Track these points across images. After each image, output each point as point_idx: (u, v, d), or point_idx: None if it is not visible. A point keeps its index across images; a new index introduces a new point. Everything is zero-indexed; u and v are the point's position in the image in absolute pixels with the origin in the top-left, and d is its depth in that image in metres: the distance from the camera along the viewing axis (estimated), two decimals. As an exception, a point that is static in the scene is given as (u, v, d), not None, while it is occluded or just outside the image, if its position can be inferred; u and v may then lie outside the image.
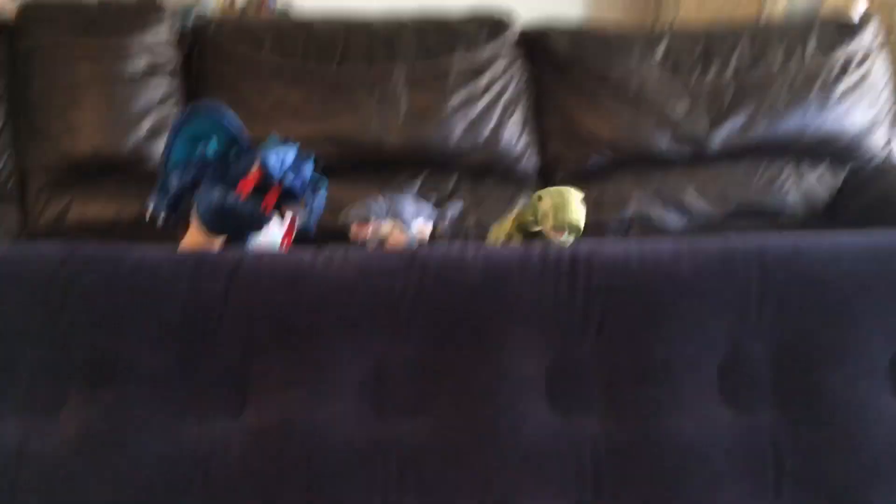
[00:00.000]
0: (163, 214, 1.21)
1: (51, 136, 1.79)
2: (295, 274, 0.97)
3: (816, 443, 0.90)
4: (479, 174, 2.03)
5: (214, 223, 1.16)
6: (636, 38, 2.09)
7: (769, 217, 2.07)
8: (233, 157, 1.21)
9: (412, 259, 0.98)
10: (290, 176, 1.18)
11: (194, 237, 1.23)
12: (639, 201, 2.04)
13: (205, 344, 0.94)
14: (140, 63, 1.84)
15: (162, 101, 1.86)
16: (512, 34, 2.05)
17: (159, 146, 1.85)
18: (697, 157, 2.07)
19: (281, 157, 1.18)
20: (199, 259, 0.99)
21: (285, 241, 1.26)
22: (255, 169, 1.15)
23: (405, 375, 0.95)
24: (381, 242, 1.46)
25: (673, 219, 2.05)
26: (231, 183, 1.16)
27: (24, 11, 1.84)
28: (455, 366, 0.95)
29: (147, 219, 1.20)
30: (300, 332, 0.95)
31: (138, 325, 0.94)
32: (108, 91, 1.80)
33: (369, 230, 1.41)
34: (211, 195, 1.15)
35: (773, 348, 0.94)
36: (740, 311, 0.94)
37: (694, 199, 2.07)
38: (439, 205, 1.58)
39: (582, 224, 1.46)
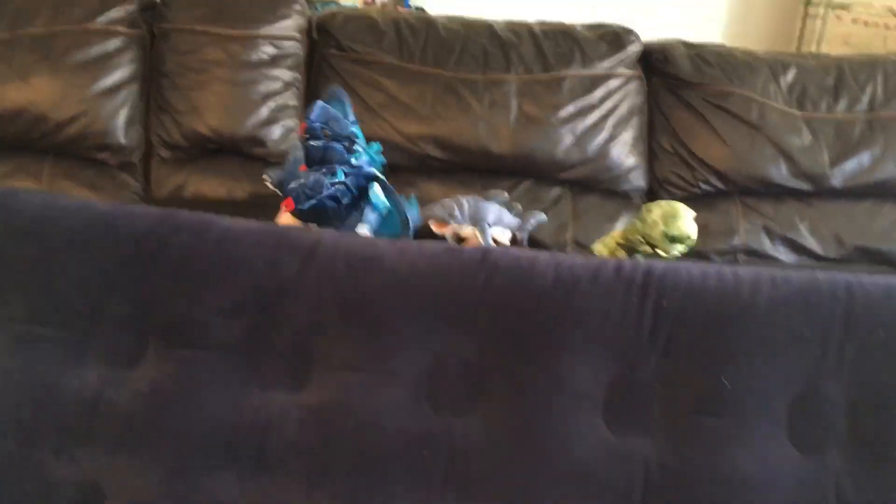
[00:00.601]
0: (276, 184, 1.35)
1: (177, 113, 1.89)
2: (369, 260, 0.99)
3: (885, 492, 0.84)
4: (583, 188, 2.00)
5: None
6: (762, 64, 2.00)
7: (889, 264, 1.95)
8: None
9: (484, 257, 0.98)
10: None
11: (285, 219, 1.30)
12: (746, 233, 1.96)
13: (274, 318, 0.98)
14: (266, 52, 1.92)
15: (282, 91, 1.93)
16: (633, 50, 2.01)
17: (275, 132, 1.92)
18: (815, 194, 1.96)
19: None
20: (281, 234, 1.03)
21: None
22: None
23: (463, 373, 0.95)
24: (460, 240, 1.47)
25: (782, 255, 1.96)
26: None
27: (166, -5, 1.96)
28: (513, 370, 0.95)
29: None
30: (366, 317, 0.97)
31: (216, 293, 0.98)
32: (232, 76, 1.88)
33: (448, 230, 1.42)
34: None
35: (851, 391, 0.88)
36: (819, 349, 0.89)
37: (806, 237, 1.96)
38: (522, 214, 1.57)
39: (694, 236, 1.41)
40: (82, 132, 1.84)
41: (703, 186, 1.97)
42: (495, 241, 1.45)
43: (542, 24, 2.06)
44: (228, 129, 1.90)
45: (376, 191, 1.35)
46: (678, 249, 1.40)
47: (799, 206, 1.97)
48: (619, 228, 1.57)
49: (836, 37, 3.61)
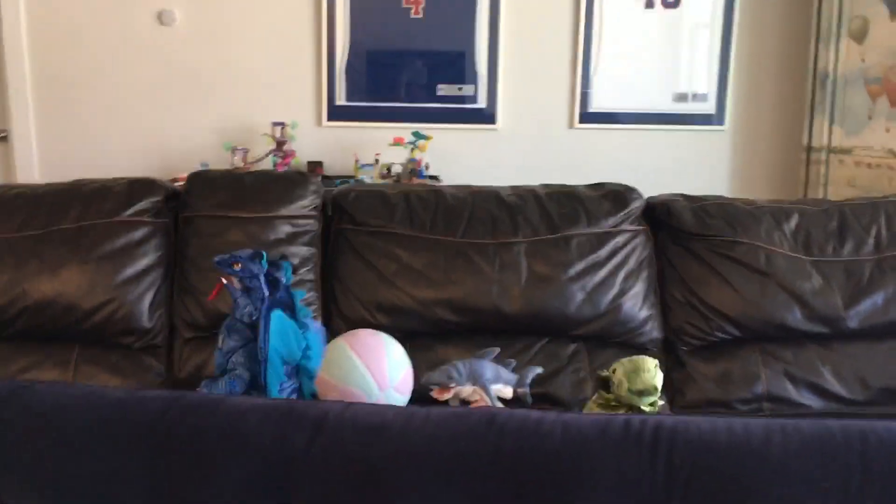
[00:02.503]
0: None
1: (200, 294, 1.96)
2: (376, 430, 1.00)
3: None
4: (598, 342, 2.01)
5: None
6: (764, 212, 2.06)
7: (919, 404, 1.91)
8: None
9: (491, 421, 0.98)
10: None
11: None
12: (768, 380, 1.93)
13: (285, 495, 0.97)
14: (283, 231, 2.01)
15: (300, 266, 2.01)
16: (636, 206, 2.08)
17: (293, 306, 1.98)
18: (834, 337, 1.96)
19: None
20: (288, 408, 1.04)
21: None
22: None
23: (476, 543, 0.93)
24: (464, 403, 1.47)
25: (808, 400, 1.93)
26: None
27: (189, 182, 2.08)
28: (528, 537, 0.92)
29: None
30: (377, 488, 0.96)
31: (226, 472, 0.99)
32: (251, 255, 1.97)
33: (451, 395, 1.43)
34: None
35: (879, 545, 0.85)
36: (839, 499, 0.86)
37: (830, 381, 1.94)
38: (517, 368, 1.59)
39: (658, 385, 1.46)
40: (109, 318, 1.91)
41: (719, 335, 1.97)
42: (500, 398, 1.45)
43: (546, 187, 2.15)
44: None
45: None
46: (647, 402, 1.46)
47: (819, 350, 1.96)
48: (590, 400, 1.62)
49: (841, 179, 3.70)
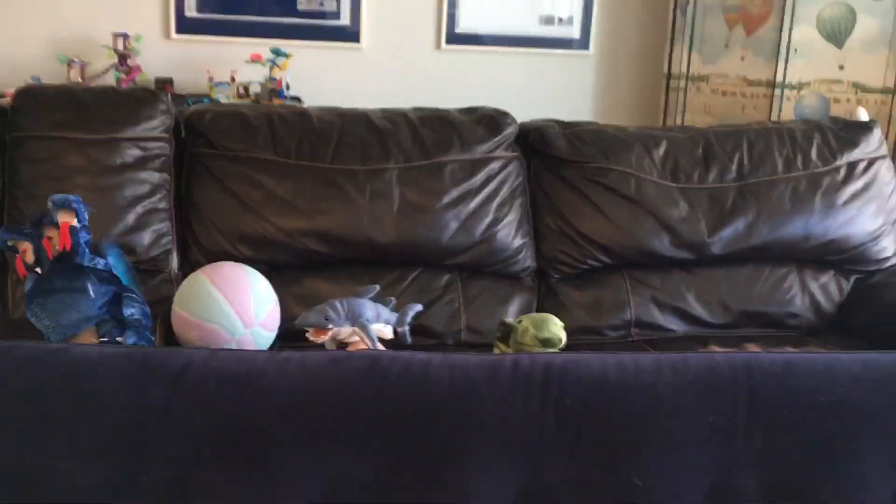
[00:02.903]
0: None
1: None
2: (246, 380, 0.90)
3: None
4: (472, 272, 1.97)
5: None
6: (634, 140, 2.06)
7: (773, 326, 1.99)
8: None
9: (372, 367, 0.91)
10: None
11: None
12: (636, 306, 1.97)
13: (142, 457, 0.87)
14: (131, 155, 1.83)
15: (150, 194, 1.84)
16: (510, 132, 2.03)
17: (144, 238, 1.82)
18: (698, 262, 2.01)
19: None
20: (145, 358, 0.92)
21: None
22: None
23: (361, 497, 0.87)
24: (341, 345, 1.40)
25: (673, 325, 1.98)
26: None
27: (18, 98, 1.84)
28: (415, 488, 0.87)
29: None
30: (248, 445, 0.88)
31: (72, 434, 0.87)
32: (95, 182, 1.78)
33: (327, 336, 1.35)
34: None
35: (763, 477, 0.85)
36: (727, 436, 0.85)
37: (693, 306, 1.99)
38: (397, 307, 1.53)
39: (564, 338, 1.46)
40: (-76, 253, 1.68)
41: (591, 262, 1.98)
42: (380, 339, 1.38)
43: (418, 110, 2.06)
44: (93, 237, 1.77)
45: None
46: (550, 352, 1.45)
47: (684, 276, 2.01)
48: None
49: (698, 107, 3.81)
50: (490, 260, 1.96)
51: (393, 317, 1.45)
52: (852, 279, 2.06)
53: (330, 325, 1.33)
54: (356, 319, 1.35)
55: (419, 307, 1.49)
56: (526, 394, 0.88)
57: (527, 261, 1.99)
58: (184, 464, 0.87)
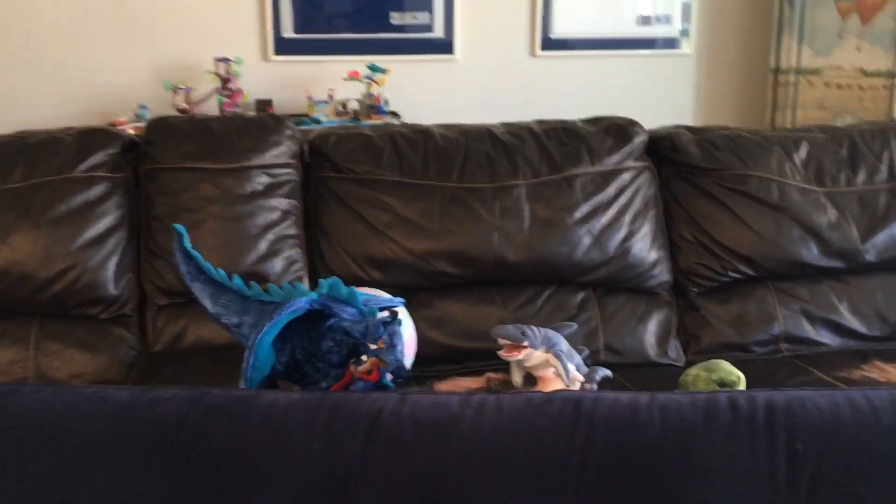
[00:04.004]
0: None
1: (171, 256, 1.76)
2: (443, 427, 0.85)
3: None
4: (608, 289, 1.89)
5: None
6: (772, 143, 1.95)
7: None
8: (328, 335, 1.22)
9: (576, 411, 0.85)
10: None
11: None
12: (785, 320, 1.85)
13: (343, 510, 0.83)
14: (260, 182, 1.82)
15: (280, 221, 1.82)
16: (640, 141, 1.94)
17: (276, 265, 1.80)
18: (850, 271, 1.88)
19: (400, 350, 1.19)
20: (334, 404, 0.89)
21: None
22: (375, 366, 1.19)
23: (573, 553, 0.81)
24: (529, 376, 1.34)
25: (826, 339, 1.86)
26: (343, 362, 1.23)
27: (149, 131, 1.86)
28: (633, 542, 0.80)
29: None
30: (450, 496, 0.82)
31: (268, 488, 0.83)
32: (227, 211, 1.77)
33: (520, 354, 1.29)
34: (331, 380, 1.23)
35: None
36: None
37: (847, 317, 1.87)
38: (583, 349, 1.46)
39: (741, 375, 1.37)
40: (70, 287, 1.71)
41: (733, 274, 1.88)
42: (573, 380, 1.31)
43: (542, 123, 1.99)
44: (227, 266, 1.76)
45: None
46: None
47: (835, 286, 1.89)
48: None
49: (810, 101, 3.63)
50: (625, 275, 1.88)
51: (583, 367, 1.38)
52: None
53: (525, 343, 1.27)
54: (550, 347, 1.29)
55: (608, 372, 1.41)
56: (751, 439, 0.80)
57: (663, 275, 1.90)
58: (383, 517, 0.83)
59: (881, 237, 1.85)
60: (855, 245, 1.85)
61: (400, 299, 1.35)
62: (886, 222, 1.86)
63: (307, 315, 1.23)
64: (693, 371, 1.39)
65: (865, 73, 3.38)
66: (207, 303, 1.30)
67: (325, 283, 1.25)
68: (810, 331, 1.85)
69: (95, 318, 1.75)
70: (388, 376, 1.20)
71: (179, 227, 1.30)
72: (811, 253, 1.85)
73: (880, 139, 1.95)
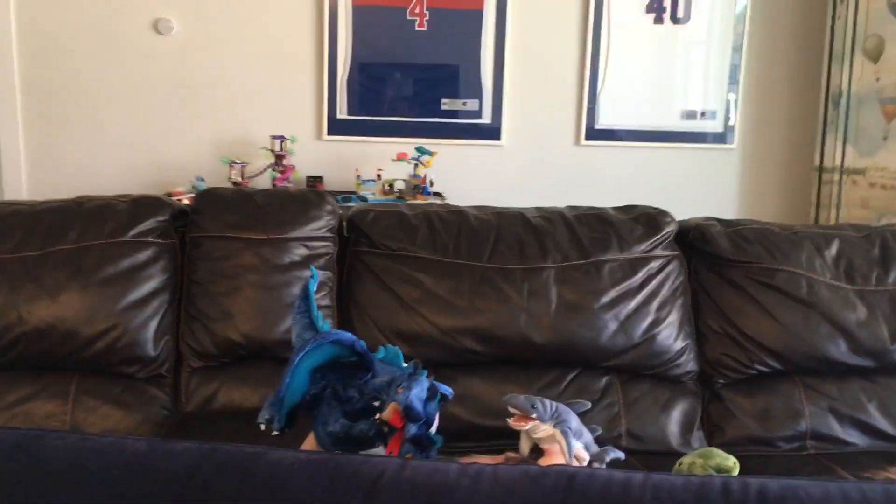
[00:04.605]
0: (277, 426, 1.21)
1: (208, 321, 1.84)
2: (439, 493, 0.88)
3: None
4: (632, 375, 1.90)
5: (335, 447, 1.21)
6: (803, 238, 1.96)
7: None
8: (357, 384, 1.21)
9: (570, 484, 0.87)
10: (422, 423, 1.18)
11: (311, 444, 1.22)
12: (812, 417, 1.83)
13: (336, 569, 0.85)
14: (298, 254, 1.89)
15: (316, 291, 1.89)
16: (669, 230, 1.98)
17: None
18: (879, 370, 1.86)
19: (422, 399, 1.18)
20: (337, 466, 0.92)
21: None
22: (395, 410, 1.17)
23: None
24: (535, 447, 1.35)
25: (853, 438, 1.83)
26: (357, 413, 1.21)
27: (198, 200, 1.96)
28: None
29: (262, 429, 1.21)
30: (441, 563, 0.85)
31: (268, 542, 0.86)
32: (264, 280, 1.85)
33: (528, 425, 1.31)
34: (335, 424, 1.21)
35: None
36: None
37: (876, 417, 1.84)
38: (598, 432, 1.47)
39: (735, 461, 1.36)
40: (111, 346, 1.78)
41: (759, 367, 1.88)
42: (576, 457, 1.33)
43: (574, 209, 2.05)
44: (260, 334, 1.84)
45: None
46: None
47: (864, 385, 1.87)
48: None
49: (854, 201, 3.63)
50: (650, 362, 1.89)
51: (593, 446, 1.40)
52: None
53: (534, 415, 1.30)
54: (559, 423, 1.31)
55: (620, 454, 1.42)
56: (740, 522, 0.81)
57: (689, 364, 1.91)
58: (376, 579, 0.85)
59: (912, 338, 1.84)
60: (885, 344, 1.84)
61: (449, 390, 1.32)
62: (918, 323, 1.84)
63: (353, 365, 1.25)
64: (687, 459, 1.38)
65: (910, 175, 3.38)
66: (296, 330, 1.31)
67: (384, 349, 1.30)
68: (838, 429, 1.83)
69: (132, 376, 1.82)
70: (414, 429, 1.19)
71: (314, 270, 1.33)
72: (839, 350, 1.84)
73: (913, 240, 1.95)
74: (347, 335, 1.23)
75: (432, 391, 1.22)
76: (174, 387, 1.85)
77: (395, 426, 1.19)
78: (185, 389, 1.84)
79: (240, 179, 3.61)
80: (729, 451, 1.63)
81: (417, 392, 1.18)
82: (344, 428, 1.21)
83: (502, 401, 1.35)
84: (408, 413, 1.17)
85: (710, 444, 1.84)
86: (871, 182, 3.55)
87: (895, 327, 1.85)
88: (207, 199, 1.96)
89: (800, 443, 1.82)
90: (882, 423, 1.83)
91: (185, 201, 2.23)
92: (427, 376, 1.25)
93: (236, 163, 3.63)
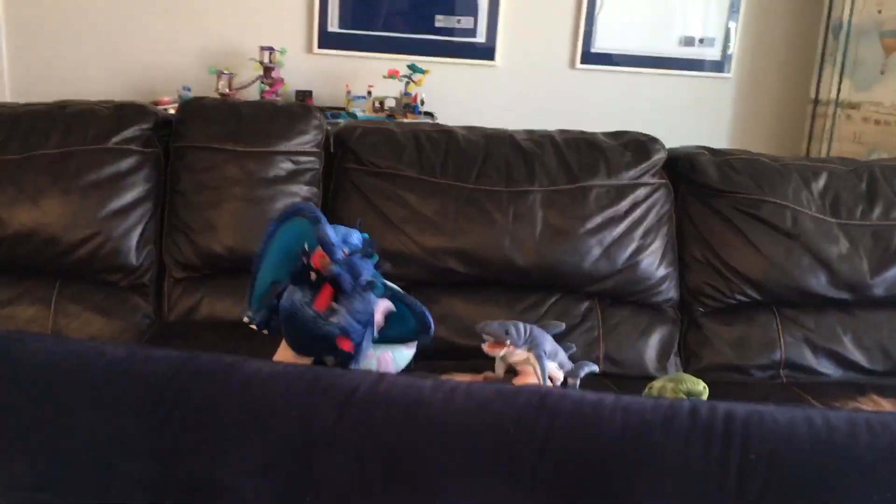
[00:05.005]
0: (257, 324, 1.19)
1: (191, 232, 1.83)
2: (412, 407, 0.89)
3: None
4: (613, 301, 1.92)
5: (289, 334, 1.15)
6: (791, 170, 1.96)
7: (940, 377, 1.85)
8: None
9: (542, 402, 0.88)
10: (343, 267, 1.12)
11: (284, 353, 1.20)
12: (787, 347, 1.86)
13: (310, 476, 0.87)
14: (283, 168, 1.88)
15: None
16: (658, 158, 1.97)
17: (292, 249, 1.85)
18: (857, 304, 1.88)
19: (348, 242, 1.14)
20: (314, 378, 0.93)
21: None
22: (319, 254, 1.12)
23: (524, 538, 0.84)
24: (510, 369, 1.37)
25: (826, 369, 1.86)
26: (299, 274, 1.14)
27: (182, 110, 1.93)
28: (582, 533, 0.83)
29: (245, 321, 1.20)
30: (413, 474, 0.86)
31: (242, 449, 0.88)
32: (248, 193, 1.83)
33: (502, 351, 1.33)
34: (286, 300, 1.13)
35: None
36: (934, 510, 0.78)
37: (850, 350, 1.87)
38: (574, 352, 1.49)
39: (705, 386, 1.38)
40: (93, 253, 1.78)
41: (739, 297, 1.89)
42: (550, 377, 1.35)
43: (564, 133, 2.02)
44: (244, 247, 1.83)
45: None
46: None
47: (841, 318, 1.89)
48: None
49: (847, 135, 3.61)
50: (632, 289, 1.90)
51: (568, 363, 1.42)
52: None
53: (508, 342, 1.31)
54: (534, 347, 1.32)
55: (595, 367, 1.44)
56: (706, 445, 0.83)
57: (670, 291, 1.92)
58: (348, 487, 0.87)
59: (892, 273, 1.85)
60: (864, 278, 1.86)
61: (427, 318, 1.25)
62: (898, 259, 1.86)
63: None
64: (658, 383, 1.41)
65: (906, 111, 3.35)
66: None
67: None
68: (812, 359, 1.86)
69: (115, 284, 1.82)
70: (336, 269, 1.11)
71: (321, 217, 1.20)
72: (819, 282, 1.86)
73: (900, 176, 1.95)
74: (307, 204, 1.19)
75: (367, 250, 1.17)
76: (157, 296, 1.85)
77: (315, 266, 1.13)
78: (167, 299, 1.84)
79: (227, 91, 3.55)
80: (703, 378, 1.66)
81: (344, 233, 1.15)
82: (287, 298, 1.14)
83: (476, 329, 1.36)
84: (323, 243, 1.11)
85: (685, 371, 1.87)
86: (864, 116, 3.53)
87: (876, 262, 1.87)
88: (193, 108, 1.93)
89: (773, 371, 1.85)
90: (855, 355, 1.86)
91: (172, 111, 2.19)
92: (409, 292, 1.25)
93: (224, 73, 3.56)
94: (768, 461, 0.82)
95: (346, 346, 1.15)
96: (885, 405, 1.62)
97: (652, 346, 1.86)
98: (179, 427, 0.90)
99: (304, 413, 0.89)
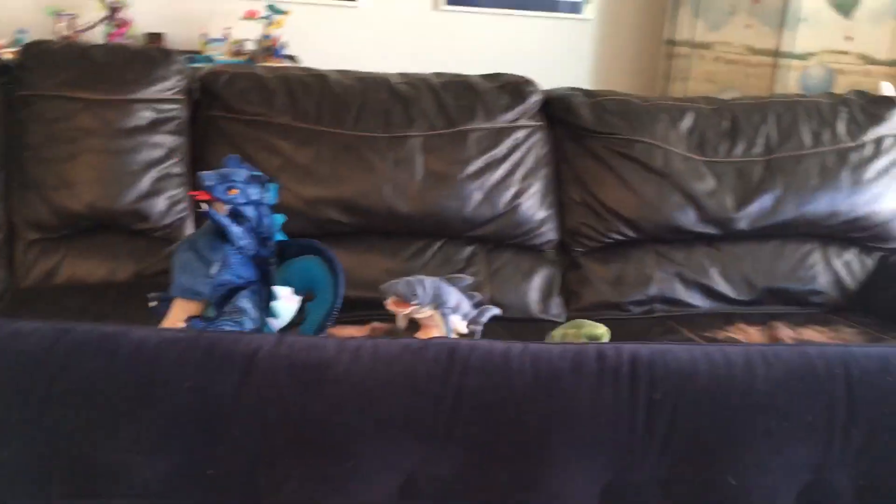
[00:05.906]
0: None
1: (45, 189, 1.68)
2: (317, 370, 0.85)
3: None
4: (495, 245, 1.93)
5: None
6: (660, 111, 2.01)
7: (796, 303, 1.98)
8: None
9: (451, 357, 0.86)
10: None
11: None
12: (661, 282, 1.94)
13: (209, 451, 0.82)
14: (144, 117, 1.74)
15: (165, 158, 1.76)
16: (535, 100, 1.97)
17: (159, 204, 1.74)
18: (723, 238, 1.98)
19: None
20: (210, 344, 0.87)
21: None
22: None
23: (440, 495, 0.83)
24: (412, 322, 1.35)
25: (697, 301, 1.95)
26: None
27: (24, 54, 1.74)
28: (497, 486, 0.83)
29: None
30: (322, 438, 0.83)
31: (134, 426, 0.81)
32: (107, 145, 1.69)
33: (407, 310, 1.30)
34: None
35: (859, 478, 0.82)
36: (824, 435, 0.82)
37: (717, 282, 1.97)
38: (480, 302, 1.49)
39: (604, 332, 1.41)
40: (-72, 218, 1.59)
41: (615, 236, 1.94)
42: (455, 331, 1.34)
43: (440, 76, 1.99)
44: (105, 203, 1.70)
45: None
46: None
47: (708, 251, 1.98)
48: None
49: (701, 75, 3.76)
50: (513, 232, 1.91)
51: (472, 312, 1.41)
52: (876, 256, 2.05)
53: (414, 301, 1.29)
54: (438, 305, 1.30)
55: (497, 311, 1.44)
56: (614, 387, 0.84)
57: (550, 233, 1.95)
58: (253, 456, 0.83)
59: (753, 207, 1.95)
60: (729, 213, 1.95)
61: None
62: (759, 193, 1.95)
63: None
64: (559, 331, 1.43)
65: (753, 51, 3.52)
66: None
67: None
68: (683, 293, 1.94)
69: (-42, 250, 1.65)
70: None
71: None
72: (688, 219, 1.93)
73: (759, 114, 2.04)
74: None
75: (260, 180, 1.33)
76: (9, 260, 1.69)
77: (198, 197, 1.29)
78: (21, 263, 1.69)
79: (68, 34, 3.26)
80: (584, 316, 1.71)
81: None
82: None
83: (380, 289, 1.33)
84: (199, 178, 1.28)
85: (567, 310, 1.91)
86: (716, 56, 3.68)
87: (740, 197, 1.96)
88: (36, 52, 1.75)
89: (649, 306, 1.93)
90: (722, 287, 1.96)
91: (9, 56, 1.98)
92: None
93: (63, 14, 3.26)
94: (673, 400, 0.84)
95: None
96: (753, 333, 1.72)
97: (535, 288, 1.89)
98: (61, 405, 0.82)
99: (199, 382, 0.83)
